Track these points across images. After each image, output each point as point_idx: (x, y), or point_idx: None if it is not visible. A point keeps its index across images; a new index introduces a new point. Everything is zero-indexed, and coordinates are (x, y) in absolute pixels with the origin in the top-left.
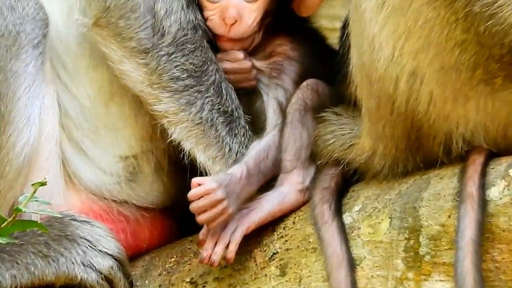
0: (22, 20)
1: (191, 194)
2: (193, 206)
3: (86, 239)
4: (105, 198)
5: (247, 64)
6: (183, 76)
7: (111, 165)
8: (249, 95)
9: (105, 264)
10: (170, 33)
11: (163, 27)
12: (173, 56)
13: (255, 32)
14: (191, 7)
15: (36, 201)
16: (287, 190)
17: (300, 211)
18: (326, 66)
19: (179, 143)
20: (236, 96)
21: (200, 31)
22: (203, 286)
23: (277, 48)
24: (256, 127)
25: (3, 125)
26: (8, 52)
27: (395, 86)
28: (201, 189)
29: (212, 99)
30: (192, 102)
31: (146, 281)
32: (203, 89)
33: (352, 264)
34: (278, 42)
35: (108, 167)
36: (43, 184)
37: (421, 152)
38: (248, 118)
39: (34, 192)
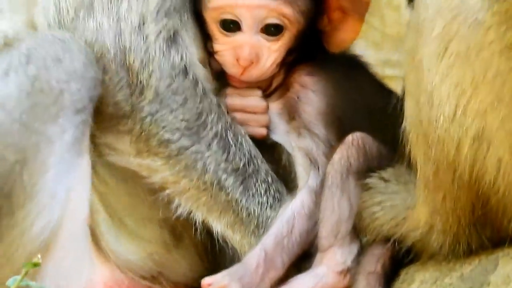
0: (69, 77)
1: None
2: None
3: None
4: (133, 276)
5: (260, 103)
6: (174, 137)
7: (154, 231)
8: (271, 150)
9: None
10: (150, 87)
11: (140, 81)
12: (158, 115)
13: (274, 74)
14: (175, 45)
15: (27, 284)
16: (323, 272)
17: None
18: (372, 103)
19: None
20: (249, 143)
21: (191, 74)
22: None
23: (292, 79)
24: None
25: (22, 197)
26: (45, 112)
27: (457, 150)
28: None
29: (215, 158)
30: (192, 166)
31: None
32: (202, 148)
33: None
34: (295, 73)
35: (151, 234)
36: (36, 264)
37: (488, 228)
38: (271, 166)
39: (25, 274)
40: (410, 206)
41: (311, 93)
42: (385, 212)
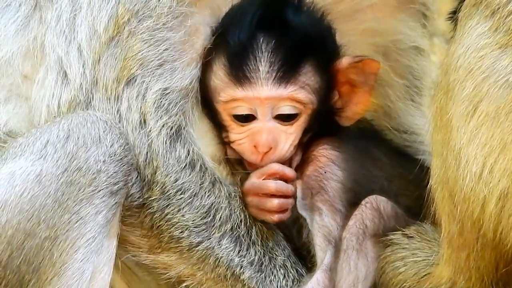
0: (107, 158)
1: None
2: None
3: None
4: None
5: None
6: (184, 235)
7: None
8: (294, 225)
9: None
10: (156, 183)
11: (146, 176)
12: (166, 212)
13: (293, 155)
14: (180, 139)
15: None
16: None
17: None
18: (390, 173)
19: None
20: (265, 237)
21: (199, 165)
22: None
23: (314, 153)
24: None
25: (51, 274)
26: (80, 192)
27: (482, 208)
28: None
29: (227, 253)
30: (204, 261)
31: None
32: (213, 245)
33: None
34: (316, 148)
35: None
36: None
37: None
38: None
39: None
40: (433, 263)
41: (336, 169)
42: (407, 267)
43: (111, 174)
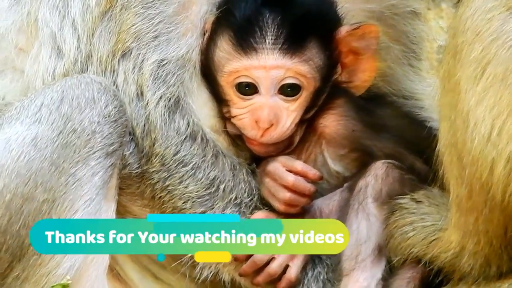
0: (101, 119)
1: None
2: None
3: None
4: None
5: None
6: (187, 206)
7: (180, 280)
8: None
9: None
10: (156, 155)
11: (144, 148)
12: (167, 183)
13: (294, 133)
14: (179, 111)
15: None
16: None
17: None
18: (401, 131)
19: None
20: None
21: (200, 137)
22: None
23: (333, 112)
24: None
25: None
26: (76, 153)
27: (491, 171)
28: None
29: None
30: None
31: None
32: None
33: None
34: (331, 105)
35: (176, 283)
36: (65, 286)
37: None
38: None
39: None
40: (442, 228)
41: (356, 125)
42: (416, 232)
43: (106, 135)
